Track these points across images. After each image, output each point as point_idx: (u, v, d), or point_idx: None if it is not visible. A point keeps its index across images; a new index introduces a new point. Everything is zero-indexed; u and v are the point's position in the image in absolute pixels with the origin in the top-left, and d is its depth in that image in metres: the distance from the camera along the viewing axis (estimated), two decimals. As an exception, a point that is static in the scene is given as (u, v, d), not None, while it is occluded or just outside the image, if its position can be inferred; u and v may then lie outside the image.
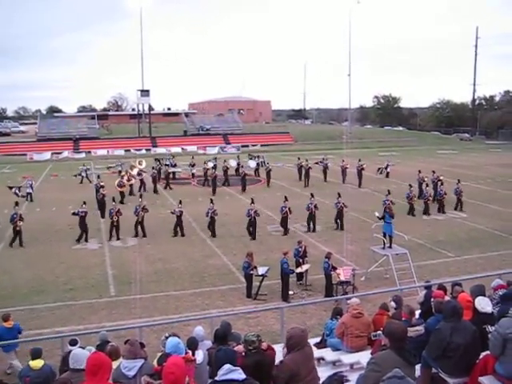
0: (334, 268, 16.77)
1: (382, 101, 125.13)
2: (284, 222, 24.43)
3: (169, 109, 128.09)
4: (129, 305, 16.14)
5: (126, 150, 64.52)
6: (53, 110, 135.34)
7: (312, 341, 10.45)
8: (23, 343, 12.24)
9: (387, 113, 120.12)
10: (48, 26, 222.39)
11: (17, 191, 31.09)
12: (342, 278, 16.55)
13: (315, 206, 24.52)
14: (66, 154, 63.90)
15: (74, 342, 8.89)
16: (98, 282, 18.32)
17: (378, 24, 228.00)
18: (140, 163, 38.95)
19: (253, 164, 43.61)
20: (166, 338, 7.40)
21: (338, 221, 25.17)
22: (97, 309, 16.01)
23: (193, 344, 7.28)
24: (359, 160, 37.41)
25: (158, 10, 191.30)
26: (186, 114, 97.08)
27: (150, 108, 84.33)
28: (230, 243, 22.79)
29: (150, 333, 12.73)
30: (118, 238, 23.60)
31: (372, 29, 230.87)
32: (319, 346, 10.33)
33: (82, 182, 40.71)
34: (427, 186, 30.24)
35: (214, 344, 8.12)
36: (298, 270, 17.55)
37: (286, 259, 16.63)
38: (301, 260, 18.05)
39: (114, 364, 6.18)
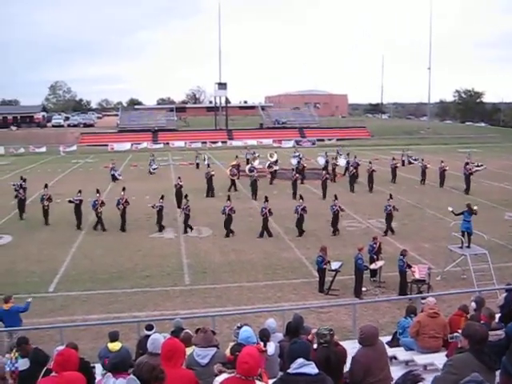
0: (409, 266, 16.40)
1: (463, 95, 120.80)
2: (299, 223, 23.24)
3: (245, 102, 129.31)
4: (203, 294, 16.46)
5: (202, 142, 65.64)
6: (133, 103, 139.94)
7: (384, 339, 10.29)
8: (101, 325, 12.84)
9: (469, 108, 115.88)
10: (131, 22, 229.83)
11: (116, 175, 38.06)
12: (417, 277, 16.16)
13: (340, 208, 23.26)
14: (145, 145, 65.75)
15: (150, 327, 9.11)
16: (174, 271, 18.77)
17: (460, 16, 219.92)
18: (271, 156, 39.37)
19: (322, 161, 41.13)
20: (239, 328, 7.47)
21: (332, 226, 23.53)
22: (172, 296, 16.42)
23: (265, 335, 7.33)
24: (441, 161, 35.53)
25: (236, 3, 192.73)
26: (263, 107, 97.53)
27: (227, 101, 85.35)
28: (303, 236, 22.72)
29: (223, 322, 12.94)
30: (186, 231, 23.79)
31: (454, 21, 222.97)
32: (392, 344, 10.15)
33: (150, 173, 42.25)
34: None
35: (285, 337, 8.15)
36: (372, 266, 17.29)
37: (360, 255, 16.41)
38: (375, 256, 17.76)
39: (187, 351, 6.31)
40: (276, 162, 39.03)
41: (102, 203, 24.55)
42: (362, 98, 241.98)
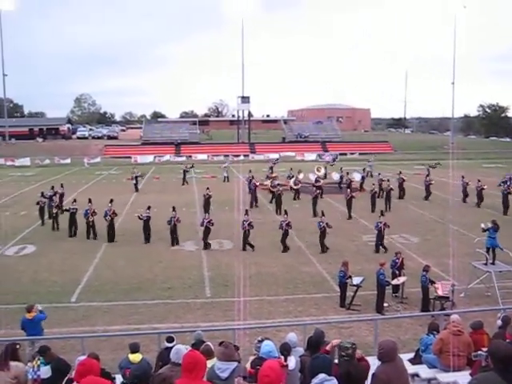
0: (432, 282, 16.18)
1: (487, 110, 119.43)
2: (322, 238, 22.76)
3: (268, 115, 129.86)
4: (223, 307, 16.42)
5: (225, 156, 65.96)
6: (157, 116, 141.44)
7: (406, 356, 10.17)
8: (122, 337, 12.90)
9: (493, 123, 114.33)
10: (154, 35, 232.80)
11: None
12: (440, 293, 15.92)
13: (327, 225, 22.67)
14: (167, 157, 66.26)
15: (170, 339, 9.13)
16: (195, 283, 18.78)
17: (484, 30, 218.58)
18: (318, 170, 39.35)
19: (336, 176, 40.58)
20: (260, 341, 7.45)
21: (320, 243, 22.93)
22: (193, 309, 16.42)
23: (286, 350, 7.27)
24: (478, 181, 34.84)
25: (259, 15, 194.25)
26: (285, 121, 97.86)
27: (250, 114, 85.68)
28: (324, 251, 22.59)
29: (243, 336, 12.89)
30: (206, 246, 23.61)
31: (478, 34, 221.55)
32: (414, 361, 10.01)
33: (185, 183, 43.08)
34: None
35: (306, 351, 8.09)
36: (395, 281, 17.10)
37: (382, 270, 16.25)
38: (397, 272, 17.57)
39: (208, 363, 6.30)
40: (325, 176, 38.73)
41: (94, 212, 25.16)
42: (384, 113, 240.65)
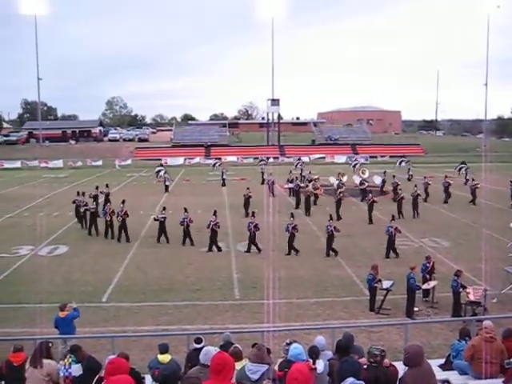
0: (464, 287, 15.93)
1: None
2: (329, 241, 22.57)
3: (297, 118, 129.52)
4: (252, 309, 16.43)
5: (254, 158, 66.04)
6: (187, 118, 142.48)
7: (437, 362, 10.04)
8: (151, 337, 13.03)
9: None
10: (185, 38, 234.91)
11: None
12: (472, 298, 15.66)
13: (335, 228, 22.39)
14: (197, 159, 66.64)
15: (199, 341, 9.15)
16: (224, 285, 18.85)
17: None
18: (363, 172, 39.12)
19: (378, 180, 39.77)
20: (288, 344, 7.43)
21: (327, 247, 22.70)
22: (221, 310, 16.48)
23: (314, 353, 7.25)
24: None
25: (289, 17, 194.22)
26: (315, 124, 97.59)
27: (279, 117, 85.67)
28: (354, 254, 22.48)
29: (271, 338, 12.87)
30: (210, 249, 23.49)
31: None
32: (444, 367, 9.87)
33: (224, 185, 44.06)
34: None
35: (334, 355, 8.05)
36: (425, 286, 16.90)
37: (412, 274, 16.07)
38: (428, 276, 17.36)
39: (237, 366, 6.32)
40: (363, 180, 38.04)
41: (112, 212, 25.58)
42: (415, 115, 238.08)
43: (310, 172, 41.94)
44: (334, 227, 22.50)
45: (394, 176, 36.95)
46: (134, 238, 25.24)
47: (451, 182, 35.96)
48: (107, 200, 30.97)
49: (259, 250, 22.96)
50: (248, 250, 23.05)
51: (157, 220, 25.06)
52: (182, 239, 24.27)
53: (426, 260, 17.82)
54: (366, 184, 36.20)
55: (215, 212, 24.17)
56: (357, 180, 38.50)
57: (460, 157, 66.35)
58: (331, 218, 23.40)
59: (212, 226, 23.05)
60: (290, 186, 37.30)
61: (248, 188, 32.25)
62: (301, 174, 43.13)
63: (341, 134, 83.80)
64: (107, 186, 32.89)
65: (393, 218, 23.09)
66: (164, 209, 25.78)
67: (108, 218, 25.57)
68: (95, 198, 29.06)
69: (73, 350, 8.39)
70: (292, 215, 23.83)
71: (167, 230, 24.71)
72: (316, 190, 33.78)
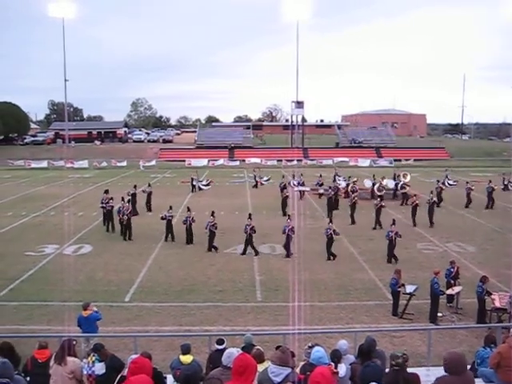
0: (489, 293, 15.71)
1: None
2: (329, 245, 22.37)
3: (321, 120, 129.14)
4: (274, 311, 16.43)
5: (278, 160, 65.97)
6: (211, 120, 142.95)
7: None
8: (173, 337, 13.11)
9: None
10: (209, 41, 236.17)
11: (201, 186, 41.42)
12: (498, 305, 15.45)
13: (334, 232, 22.30)
14: (221, 161, 66.79)
15: (220, 342, 9.17)
16: (246, 287, 18.86)
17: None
18: (405, 176, 38.65)
19: (369, 183, 38.46)
20: (310, 347, 7.40)
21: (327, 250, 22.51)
22: (243, 312, 16.49)
23: (336, 357, 7.22)
24: None
25: (314, 22, 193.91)
26: (339, 126, 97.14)
27: (303, 119, 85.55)
28: (377, 258, 22.31)
29: (293, 341, 12.83)
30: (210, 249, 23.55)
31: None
32: (469, 374, 9.71)
33: (256, 186, 44.12)
34: None
35: (357, 359, 8.00)
36: (449, 291, 16.69)
37: (436, 279, 15.90)
38: (452, 281, 17.15)
39: (259, 368, 6.31)
40: (405, 185, 37.34)
41: (130, 212, 26.32)
42: (441, 118, 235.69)
43: (349, 177, 40.04)
44: (334, 230, 22.41)
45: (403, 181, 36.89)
46: (158, 238, 25.41)
47: (495, 188, 35.33)
48: (134, 201, 31.34)
49: (256, 252, 22.89)
50: (244, 253, 22.97)
51: (164, 219, 25.45)
52: (186, 238, 24.74)
53: (450, 265, 17.62)
54: (408, 188, 35.77)
55: (250, 215, 24.04)
56: (390, 184, 37.95)
57: (486, 161, 65.63)
58: (331, 221, 23.24)
59: (248, 231, 22.85)
60: (323, 190, 36.93)
61: (285, 187, 32.49)
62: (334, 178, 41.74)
63: (365, 136, 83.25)
64: (135, 186, 33.02)
65: (393, 223, 22.69)
66: (170, 208, 26.07)
67: (121, 217, 26.00)
68: (133, 195, 30.92)
69: (96, 348, 8.46)
70: (330, 219, 23.60)
71: (190, 232, 24.80)
72: (355, 192, 33.39)
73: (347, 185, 36.54)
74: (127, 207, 26.02)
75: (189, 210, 25.21)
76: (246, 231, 22.89)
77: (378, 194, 32.29)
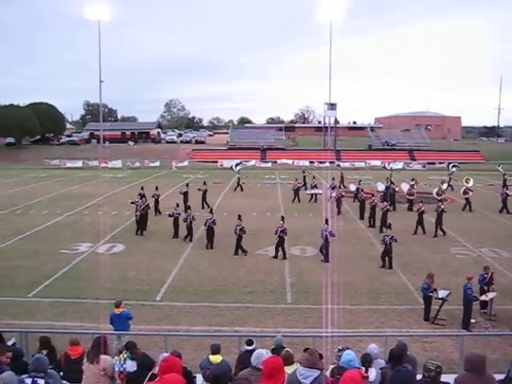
0: (525, 300, 15.40)
1: None
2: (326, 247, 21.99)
3: (354, 122, 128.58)
4: (304, 313, 16.37)
5: (310, 162, 65.78)
6: (243, 121, 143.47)
7: (495, 377, 9.70)
8: (203, 337, 13.18)
9: None
10: (242, 43, 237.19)
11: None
12: (534, 312, 15.13)
13: (330, 233, 21.97)
14: (253, 162, 66.91)
15: (250, 342, 9.18)
16: (276, 288, 18.83)
17: None
18: (467, 181, 37.79)
19: (382, 187, 37.01)
20: (340, 350, 7.38)
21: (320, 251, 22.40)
22: (273, 314, 16.47)
23: (367, 361, 7.18)
24: None
25: (348, 23, 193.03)
26: (372, 129, 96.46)
27: (336, 121, 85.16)
28: (409, 262, 22.05)
29: (323, 344, 12.79)
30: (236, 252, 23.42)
31: None
32: (503, 383, 9.54)
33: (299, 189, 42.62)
34: None
35: (387, 364, 7.93)
36: (483, 297, 16.38)
37: (469, 285, 15.62)
38: (486, 287, 16.83)
39: (287, 370, 6.32)
40: (468, 189, 36.30)
41: (147, 206, 27.68)
42: (476, 121, 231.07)
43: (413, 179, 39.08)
44: (330, 232, 22.16)
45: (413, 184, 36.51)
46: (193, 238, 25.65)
47: (510, 194, 34.45)
48: (156, 202, 32.03)
49: (245, 252, 23.15)
50: (236, 253, 23.11)
51: (171, 216, 26.11)
52: (185, 235, 25.46)
53: (484, 270, 17.28)
54: (471, 193, 34.89)
55: (283, 218, 23.97)
56: (444, 186, 36.80)
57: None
58: (326, 222, 22.77)
59: (279, 233, 22.68)
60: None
61: (340, 187, 32.38)
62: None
63: (398, 139, 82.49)
64: (157, 188, 33.16)
65: (389, 227, 22.25)
66: (177, 205, 26.88)
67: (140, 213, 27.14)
68: (185, 194, 32.57)
69: (128, 346, 8.56)
70: (389, 226, 22.51)
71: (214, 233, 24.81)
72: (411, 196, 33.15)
73: (386, 188, 35.72)
74: (142, 202, 27.58)
75: (189, 208, 26.33)
76: (276, 232, 22.81)
77: (437, 197, 31.61)
